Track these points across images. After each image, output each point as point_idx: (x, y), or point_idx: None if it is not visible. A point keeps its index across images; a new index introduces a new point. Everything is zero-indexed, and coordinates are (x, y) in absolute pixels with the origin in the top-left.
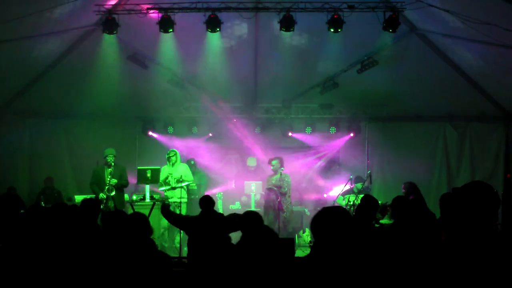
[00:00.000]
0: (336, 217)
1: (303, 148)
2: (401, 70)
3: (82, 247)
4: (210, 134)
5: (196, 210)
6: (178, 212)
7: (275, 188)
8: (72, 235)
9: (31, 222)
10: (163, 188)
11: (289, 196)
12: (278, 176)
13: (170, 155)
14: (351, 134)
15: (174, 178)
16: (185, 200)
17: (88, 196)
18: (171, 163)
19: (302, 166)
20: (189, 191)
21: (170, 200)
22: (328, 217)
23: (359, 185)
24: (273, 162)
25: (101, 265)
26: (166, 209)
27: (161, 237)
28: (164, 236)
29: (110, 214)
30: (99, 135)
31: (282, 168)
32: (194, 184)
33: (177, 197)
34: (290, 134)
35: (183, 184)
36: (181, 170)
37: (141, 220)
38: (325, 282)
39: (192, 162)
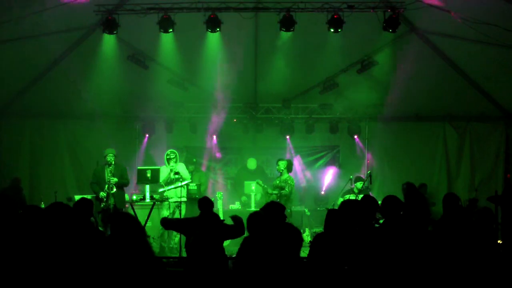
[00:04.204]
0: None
1: (303, 148)
2: (401, 70)
3: (75, 247)
4: (214, 136)
5: (196, 209)
6: (178, 212)
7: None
8: (64, 235)
9: (26, 223)
10: (163, 189)
11: (290, 200)
12: (283, 177)
13: (171, 156)
14: (356, 136)
15: (173, 172)
16: (185, 199)
17: (89, 196)
18: (170, 164)
19: (302, 166)
20: (188, 190)
21: (170, 200)
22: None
23: (358, 185)
24: (279, 163)
25: (97, 266)
26: (165, 221)
27: (161, 238)
28: (164, 236)
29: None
30: (99, 135)
31: (285, 170)
32: (194, 184)
33: (177, 196)
34: (287, 137)
35: (182, 183)
36: (180, 169)
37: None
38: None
39: (194, 160)
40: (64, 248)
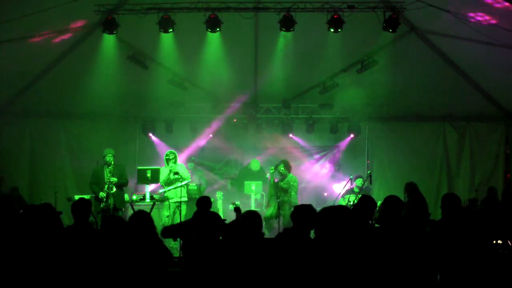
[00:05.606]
0: (337, 214)
1: (303, 148)
2: (401, 70)
3: (74, 247)
4: (211, 135)
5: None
6: (178, 212)
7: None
8: (61, 236)
9: (24, 222)
10: (164, 189)
11: (294, 198)
12: (286, 179)
13: (170, 157)
14: (352, 135)
15: (172, 172)
16: (185, 199)
17: (89, 197)
18: (170, 165)
19: (302, 166)
20: (188, 190)
21: (170, 200)
22: (330, 215)
23: (358, 182)
24: (279, 167)
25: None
26: (165, 231)
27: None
28: None
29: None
30: (99, 135)
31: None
32: (194, 184)
33: (178, 197)
34: (290, 135)
35: (182, 183)
36: (179, 169)
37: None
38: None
39: (193, 158)
40: (59, 248)
